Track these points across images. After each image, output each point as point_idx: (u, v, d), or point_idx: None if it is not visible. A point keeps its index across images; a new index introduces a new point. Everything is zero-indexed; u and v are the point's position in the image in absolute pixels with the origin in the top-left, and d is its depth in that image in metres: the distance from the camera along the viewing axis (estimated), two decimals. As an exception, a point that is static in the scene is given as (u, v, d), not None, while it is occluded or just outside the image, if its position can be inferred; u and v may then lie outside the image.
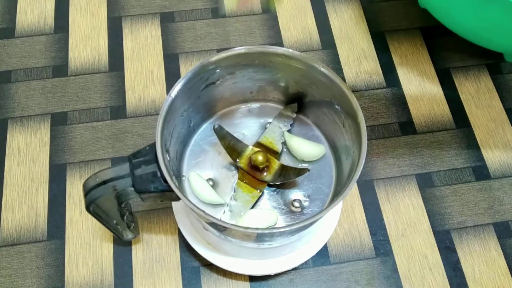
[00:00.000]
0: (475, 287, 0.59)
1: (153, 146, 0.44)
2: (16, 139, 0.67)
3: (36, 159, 0.65)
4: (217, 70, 0.51)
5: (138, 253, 0.60)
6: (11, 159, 0.65)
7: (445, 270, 0.60)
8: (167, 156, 0.46)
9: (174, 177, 0.47)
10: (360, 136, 0.45)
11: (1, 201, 0.63)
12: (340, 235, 0.62)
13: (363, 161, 0.44)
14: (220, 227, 0.44)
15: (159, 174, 0.44)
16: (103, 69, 0.71)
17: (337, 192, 0.53)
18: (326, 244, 0.61)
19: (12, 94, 0.70)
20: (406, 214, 0.63)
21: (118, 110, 0.69)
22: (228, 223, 0.42)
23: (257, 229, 0.42)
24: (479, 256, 0.61)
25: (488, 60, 0.74)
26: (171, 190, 0.43)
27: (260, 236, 0.46)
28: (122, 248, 0.60)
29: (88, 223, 0.61)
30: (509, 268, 0.60)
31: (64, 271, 0.59)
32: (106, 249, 0.60)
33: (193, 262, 0.59)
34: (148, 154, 0.45)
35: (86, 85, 0.70)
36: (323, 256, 0.60)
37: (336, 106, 0.51)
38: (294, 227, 0.42)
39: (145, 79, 0.71)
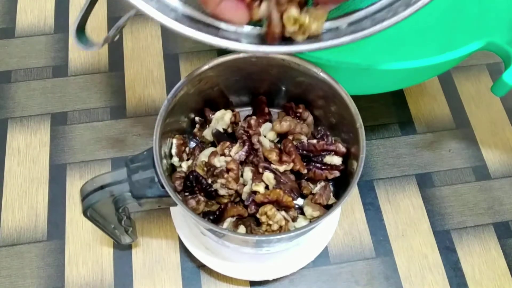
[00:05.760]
0: (475, 287, 0.59)
1: (150, 151, 0.44)
2: (16, 139, 0.67)
3: (36, 159, 0.65)
4: (215, 75, 0.50)
5: (138, 253, 0.60)
6: (11, 159, 0.65)
7: (445, 270, 0.60)
8: (165, 161, 0.46)
9: (171, 182, 0.47)
10: (359, 141, 0.45)
11: (1, 201, 0.63)
12: (340, 235, 0.62)
13: (361, 168, 0.44)
14: (217, 233, 0.44)
15: (156, 179, 0.44)
16: (103, 69, 0.71)
17: (336, 196, 0.53)
18: (326, 245, 0.61)
19: (12, 94, 0.70)
20: (406, 214, 0.63)
21: (118, 110, 0.69)
22: (225, 229, 0.42)
23: (254, 235, 0.43)
24: (479, 256, 0.61)
25: (488, 60, 0.74)
26: (169, 196, 0.43)
27: (258, 242, 0.46)
28: (122, 248, 0.60)
29: (88, 223, 0.61)
30: (509, 268, 0.60)
31: (64, 271, 0.59)
32: (106, 249, 0.60)
33: (193, 262, 0.59)
34: (145, 159, 0.45)
35: (86, 85, 0.70)
36: (323, 256, 0.60)
37: (335, 111, 0.51)
38: (292, 233, 0.43)
39: (145, 79, 0.71)
